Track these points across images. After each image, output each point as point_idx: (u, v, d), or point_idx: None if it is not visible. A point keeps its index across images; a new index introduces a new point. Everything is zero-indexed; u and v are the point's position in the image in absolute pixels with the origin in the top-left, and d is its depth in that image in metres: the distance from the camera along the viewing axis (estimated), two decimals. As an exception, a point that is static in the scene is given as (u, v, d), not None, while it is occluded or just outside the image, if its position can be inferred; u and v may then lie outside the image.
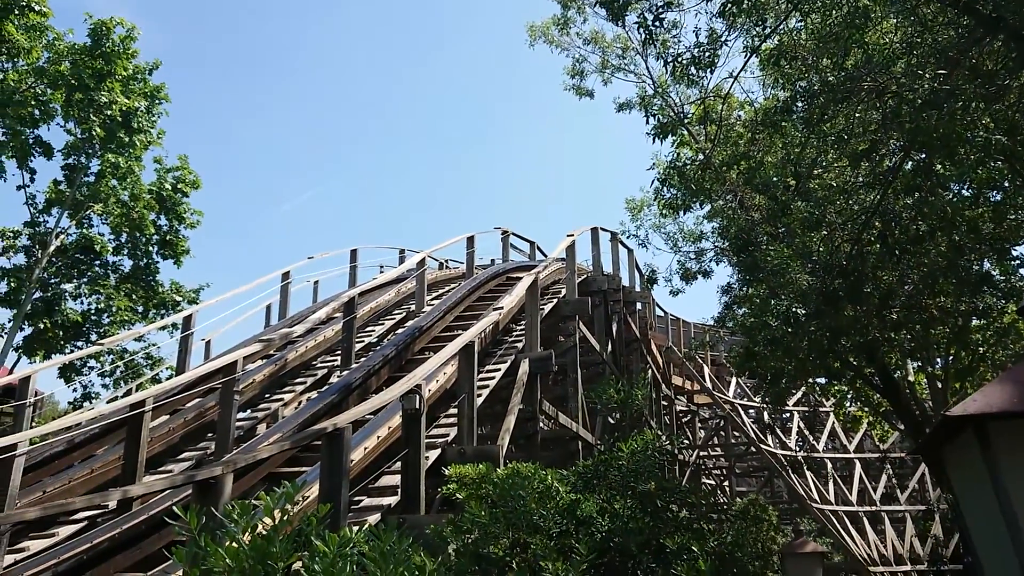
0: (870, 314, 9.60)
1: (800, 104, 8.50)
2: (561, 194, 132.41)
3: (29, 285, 19.85)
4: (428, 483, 7.76)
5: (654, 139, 9.79)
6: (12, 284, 20.06)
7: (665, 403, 21.40)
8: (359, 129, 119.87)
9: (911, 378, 13.41)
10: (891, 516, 20.37)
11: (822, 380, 15.27)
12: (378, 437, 8.71)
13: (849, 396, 16.20)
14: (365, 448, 8.41)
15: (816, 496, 19.37)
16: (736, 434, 23.08)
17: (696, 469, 22.97)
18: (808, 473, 19.51)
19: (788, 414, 21.70)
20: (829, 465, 21.01)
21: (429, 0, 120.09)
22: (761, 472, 25.05)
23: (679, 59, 8.03)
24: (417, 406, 7.65)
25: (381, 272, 18.63)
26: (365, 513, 7.43)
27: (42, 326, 20.16)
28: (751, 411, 23.21)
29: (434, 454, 8.65)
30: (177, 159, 23.00)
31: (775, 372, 11.16)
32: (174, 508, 3.18)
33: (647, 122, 10.06)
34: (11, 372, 18.63)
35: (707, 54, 7.89)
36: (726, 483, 24.46)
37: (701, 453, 23.79)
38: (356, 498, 7.82)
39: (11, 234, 21.12)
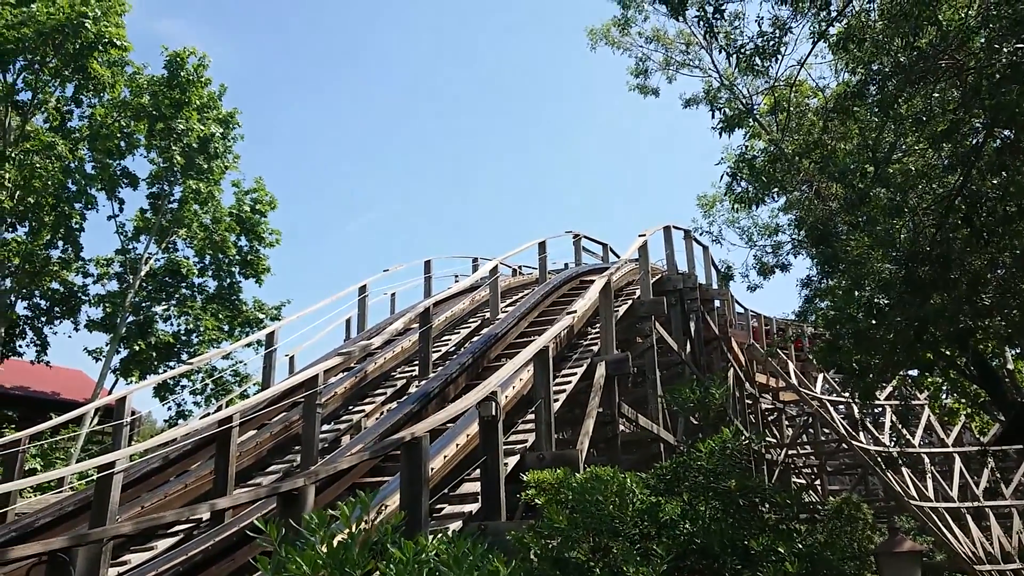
0: (960, 301, 9.16)
1: (873, 88, 8.19)
2: (630, 195, 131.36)
3: (123, 309, 20.80)
4: (508, 489, 7.76)
5: (721, 133, 9.61)
6: (107, 309, 21.09)
7: (749, 401, 20.92)
8: (424, 141, 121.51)
9: (1010, 366, 12.77)
10: (996, 512, 19.39)
11: (914, 372, 14.67)
12: (457, 445, 8.77)
13: (944, 388, 15.51)
14: (444, 456, 8.47)
15: (914, 493, 18.59)
16: (826, 431, 22.36)
17: (785, 468, 22.35)
18: (904, 469, 18.75)
19: (879, 409, 20.92)
20: (926, 460, 20.14)
21: (488, 6, 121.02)
22: (854, 469, 24.21)
23: (743, 50, 7.86)
24: (493, 413, 7.68)
25: (456, 281, 18.81)
26: (447, 521, 7.49)
27: (137, 348, 21.13)
28: (840, 407, 22.47)
29: (513, 460, 8.66)
30: (254, 181, 23.80)
31: (861, 366, 10.77)
32: (255, 521, 3.26)
33: (713, 116, 9.88)
34: (110, 393, 19.55)
35: (771, 43, 7.70)
36: (817, 482, 23.73)
37: (790, 452, 23.14)
38: (438, 506, 7.89)
39: (105, 262, 22.22)
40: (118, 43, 18.90)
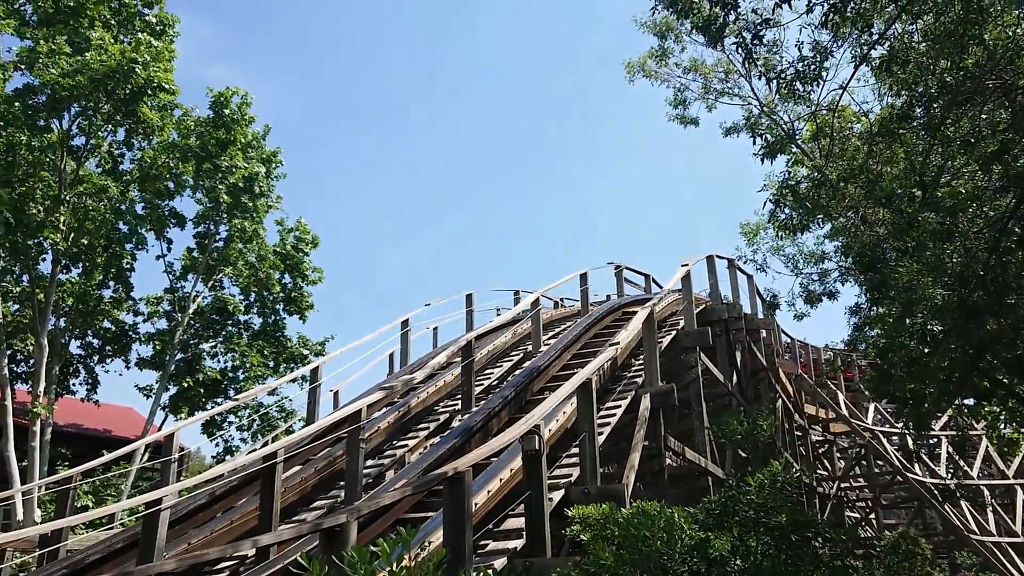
0: (1017, 326, 8.88)
1: (919, 110, 8.07)
2: (672, 225, 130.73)
3: (172, 347, 21.19)
4: (553, 525, 7.63)
5: (763, 160, 9.51)
6: (157, 347, 21.50)
7: (799, 433, 20.45)
8: (465, 176, 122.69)
9: (1073, 394, 12.28)
10: (1064, 547, 18.58)
11: (970, 401, 14.23)
12: (500, 480, 8.67)
13: (1002, 416, 14.99)
14: (488, 491, 8.38)
15: (974, 527, 17.93)
16: (879, 463, 21.74)
17: (838, 502, 21.74)
18: (963, 502, 18.11)
19: (935, 439, 20.29)
20: (986, 493, 19.45)
21: (526, 40, 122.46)
22: (910, 503, 23.46)
23: (783, 76, 7.79)
24: (537, 447, 7.58)
25: (497, 315, 18.81)
26: (491, 557, 7.38)
27: (185, 385, 21.47)
28: (894, 438, 21.86)
29: (558, 495, 8.53)
30: (296, 221, 24.25)
31: (915, 395, 10.47)
32: (298, 558, 3.24)
33: (754, 143, 9.79)
34: (160, 429, 19.84)
35: (812, 67, 7.62)
36: (872, 516, 23.04)
37: (842, 484, 22.52)
38: (482, 542, 7.79)
39: (154, 300, 22.71)
40: (167, 87, 19.45)
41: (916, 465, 19.63)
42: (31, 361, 19.99)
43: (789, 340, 23.16)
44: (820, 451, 23.60)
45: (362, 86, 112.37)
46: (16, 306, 20.47)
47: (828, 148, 10.69)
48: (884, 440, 20.49)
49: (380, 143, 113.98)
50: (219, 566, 8.84)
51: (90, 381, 21.92)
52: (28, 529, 10.19)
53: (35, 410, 18.01)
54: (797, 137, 12.16)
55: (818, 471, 21.04)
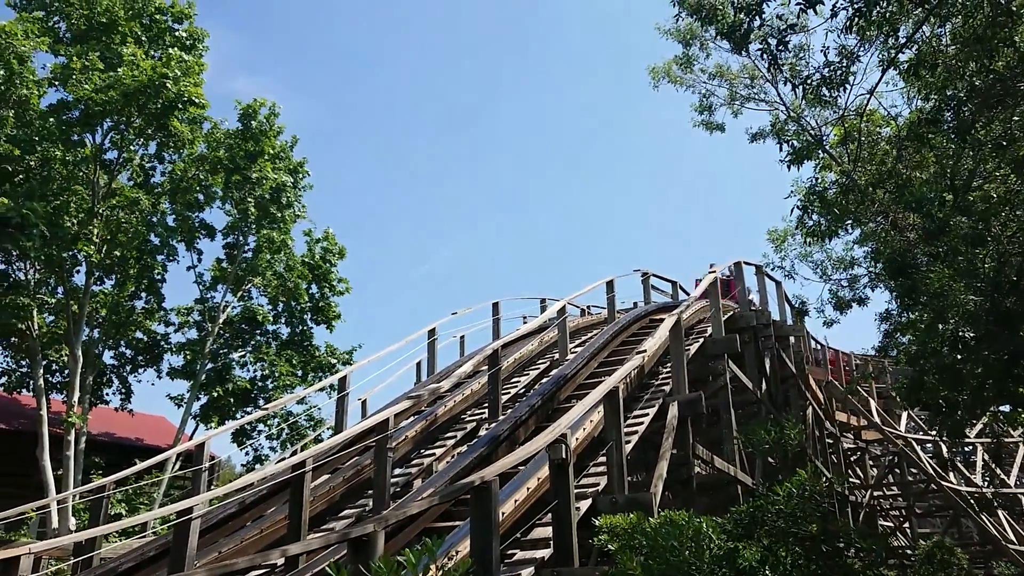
0: (1053, 332, 8.71)
1: (948, 114, 7.96)
2: (699, 232, 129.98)
3: (202, 357, 21.45)
4: (581, 534, 7.61)
5: (789, 166, 9.44)
6: (188, 357, 21.78)
7: (830, 441, 20.19)
8: (487, 185, 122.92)
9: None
10: (1106, 557, 18.13)
11: (1006, 408, 13.97)
12: (527, 489, 8.66)
13: (1040, 424, 14.69)
14: (515, 500, 8.37)
15: (1012, 537, 17.57)
16: (913, 471, 21.39)
17: (871, 511, 21.42)
18: (1000, 511, 17.76)
19: (970, 447, 19.94)
20: (1024, 501, 19.06)
21: (547, 50, 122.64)
22: (945, 512, 23.03)
23: (809, 81, 7.74)
24: (563, 456, 7.57)
25: (524, 323, 18.80)
26: (518, 567, 7.37)
27: (216, 394, 21.71)
28: (927, 446, 21.50)
29: (585, 504, 8.50)
30: (323, 232, 24.47)
31: (949, 402, 10.30)
32: (326, 568, 3.26)
33: (780, 149, 9.72)
34: (191, 438, 20.07)
35: (839, 72, 7.56)
36: (906, 525, 22.63)
37: (875, 493, 22.19)
38: (509, 551, 7.78)
39: (185, 311, 23.02)
40: (197, 101, 19.75)
41: (951, 473, 19.28)
42: (66, 371, 20.34)
43: (819, 347, 22.89)
44: (852, 459, 23.27)
45: (385, 96, 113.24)
46: (51, 317, 20.86)
47: (856, 153, 10.58)
48: (918, 448, 20.16)
49: (405, 152, 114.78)
50: (249, 575, 8.93)
51: (123, 391, 22.27)
52: (63, 537, 10.35)
53: (70, 419, 18.32)
54: (824, 142, 12.05)
55: (850, 479, 20.76)
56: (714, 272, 14.92)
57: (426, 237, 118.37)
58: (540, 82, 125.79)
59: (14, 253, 18.79)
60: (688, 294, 20.11)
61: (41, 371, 19.39)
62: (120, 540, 11.50)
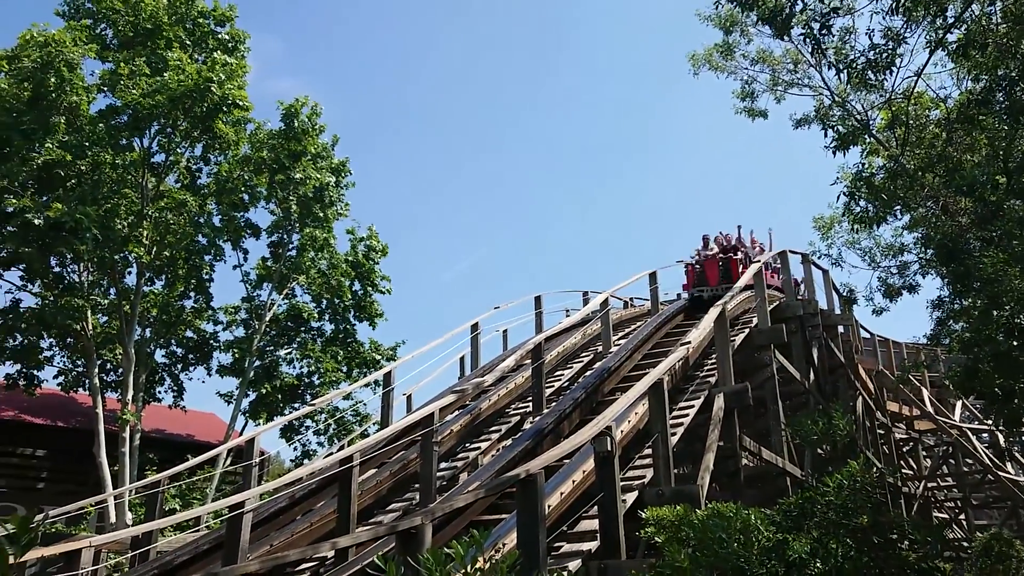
0: (1114, 317, 8.44)
1: (1000, 94, 7.74)
2: (742, 221, 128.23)
3: (250, 354, 21.83)
4: (627, 527, 7.59)
5: (835, 152, 9.26)
6: (236, 355, 22.18)
7: (881, 432, 19.81)
8: (525, 177, 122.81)
9: None
10: None
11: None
12: (573, 481, 8.66)
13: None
14: (561, 493, 8.38)
15: (1073, 528, 17.06)
16: (968, 462, 20.88)
17: (924, 502, 20.96)
18: (1060, 502, 17.26)
19: (1028, 436, 19.40)
20: (1086, 492, 18.48)
21: (584, 39, 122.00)
22: (1003, 503, 22.44)
23: (854, 65, 7.58)
24: (609, 448, 7.55)
25: (566, 316, 18.76)
26: (565, 559, 7.37)
27: (264, 391, 22.08)
28: (983, 435, 20.98)
29: (631, 497, 8.48)
30: (367, 229, 24.70)
31: (1005, 391, 10.04)
32: (375, 559, 3.30)
33: (825, 135, 9.54)
34: (241, 434, 20.46)
35: (885, 55, 7.39)
36: (962, 517, 22.11)
37: (929, 484, 21.71)
38: (556, 544, 7.79)
39: (232, 310, 23.45)
40: (240, 103, 20.07)
41: (1008, 463, 18.81)
42: (120, 370, 20.87)
43: (868, 336, 22.45)
44: (904, 449, 22.80)
45: (425, 93, 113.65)
46: (105, 318, 21.40)
47: (904, 137, 10.34)
48: (973, 438, 19.69)
49: (445, 149, 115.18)
50: (300, 567, 9.08)
51: (175, 388, 22.77)
52: (121, 531, 10.63)
53: (124, 417, 18.80)
54: (871, 127, 11.79)
55: (902, 470, 20.35)
56: (759, 263, 14.73)
57: (466, 233, 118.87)
58: (582, 72, 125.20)
59: (68, 256, 19.33)
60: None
61: (96, 370, 19.92)
62: (174, 534, 11.76)
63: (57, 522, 11.36)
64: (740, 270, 17.03)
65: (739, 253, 18.74)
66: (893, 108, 10.94)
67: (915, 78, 8.98)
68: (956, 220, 10.56)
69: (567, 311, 19.81)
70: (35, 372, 20.28)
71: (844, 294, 13.69)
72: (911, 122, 10.75)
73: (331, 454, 13.52)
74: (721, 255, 18.52)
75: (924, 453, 23.46)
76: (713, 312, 12.02)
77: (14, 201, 17.72)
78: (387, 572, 3.13)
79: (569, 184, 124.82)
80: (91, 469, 19.01)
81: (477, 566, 3.10)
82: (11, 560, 2.14)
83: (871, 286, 13.06)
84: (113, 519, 17.18)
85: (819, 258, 15.71)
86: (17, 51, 18.70)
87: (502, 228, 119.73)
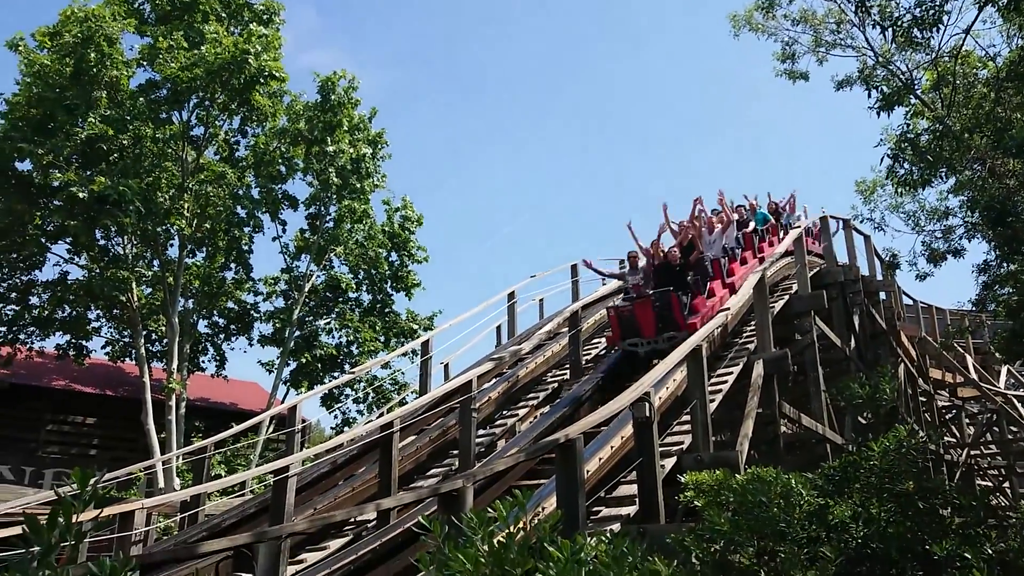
0: None
1: (1053, 50, 7.48)
2: (781, 186, 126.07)
3: (290, 324, 22.15)
4: (666, 492, 7.62)
5: (878, 113, 9.05)
6: (277, 325, 22.53)
7: (923, 399, 19.54)
8: (562, 145, 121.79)
9: None
10: None
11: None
12: (611, 447, 8.71)
13: None
14: (599, 458, 8.43)
15: (1123, 496, 16.72)
16: (1013, 429, 20.52)
17: (968, 470, 20.66)
18: (1110, 470, 16.91)
19: (1076, 403, 18.99)
20: None
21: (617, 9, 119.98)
22: (1049, 471, 22.05)
23: (899, 22, 7.37)
24: (647, 414, 7.56)
25: (603, 284, 18.71)
26: (604, 523, 7.44)
27: (304, 360, 22.44)
28: (1029, 402, 20.52)
29: (669, 462, 8.49)
30: (401, 200, 24.76)
31: (1052, 356, 9.84)
32: (421, 519, 3.38)
33: (869, 96, 9.31)
34: (283, 403, 20.85)
35: (931, 12, 7.18)
36: (1006, 484, 21.78)
37: (972, 452, 21.37)
38: (595, 508, 7.86)
39: (272, 281, 23.77)
40: (277, 75, 20.18)
41: (1055, 431, 18.45)
42: (165, 340, 21.34)
43: (911, 302, 22.06)
44: (947, 417, 22.47)
45: (461, 62, 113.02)
46: (149, 289, 21.85)
47: (951, 97, 10.07)
48: (1018, 404, 19.32)
49: (482, 118, 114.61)
50: (344, 530, 9.29)
51: (218, 358, 23.21)
52: (171, 495, 10.95)
53: (170, 386, 19.24)
54: (916, 87, 11.48)
55: (945, 438, 20.08)
56: (798, 228, 14.51)
57: (504, 202, 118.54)
58: (619, 42, 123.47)
59: (113, 229, 19.71)
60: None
61: (142, 340, 20.39)
62: (220, 499, 12.08)
63: (110, 487, 11.73)
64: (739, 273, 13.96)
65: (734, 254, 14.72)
66: (939, 67, 10.64)
67: (963, 35, 8.72)
68: (1004, 183, 10.28)
69: (604, 279, 19.74)
70: (84, 342, 20.84)
71: (886, 259, 13.44)
72: (958, 82, 10.46)
73: (371, 421, 13.70)
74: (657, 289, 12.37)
75: (967, 420, 23.08)
76: (752, 278, 11.91)
77: (59, 175, 18.08)
78: (432, 530, 3.18)
79: (608, 151, 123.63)
80: (139, 436, 19.54)
81: (520, 526, 3.15)
82: (74, 517, 2.23)
83: (914, 251, 12.81)
84: (162, 484, 17.66)
85: (861, 222, 15.42)
86: (58, 27, 18.96)
87: (542, 195, 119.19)
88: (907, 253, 12.90)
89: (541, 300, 17.80)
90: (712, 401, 9.68)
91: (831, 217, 16.79)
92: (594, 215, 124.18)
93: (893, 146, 10.49)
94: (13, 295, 20.03)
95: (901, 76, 12.46)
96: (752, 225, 15.58)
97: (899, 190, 11.59)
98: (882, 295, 18.45)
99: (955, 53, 9.86)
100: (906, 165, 10.61)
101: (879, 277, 17.90)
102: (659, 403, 9.18)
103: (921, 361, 20.10)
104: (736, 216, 14.62)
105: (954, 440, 21.24)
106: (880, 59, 13.14)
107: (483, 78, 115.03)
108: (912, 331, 20.40)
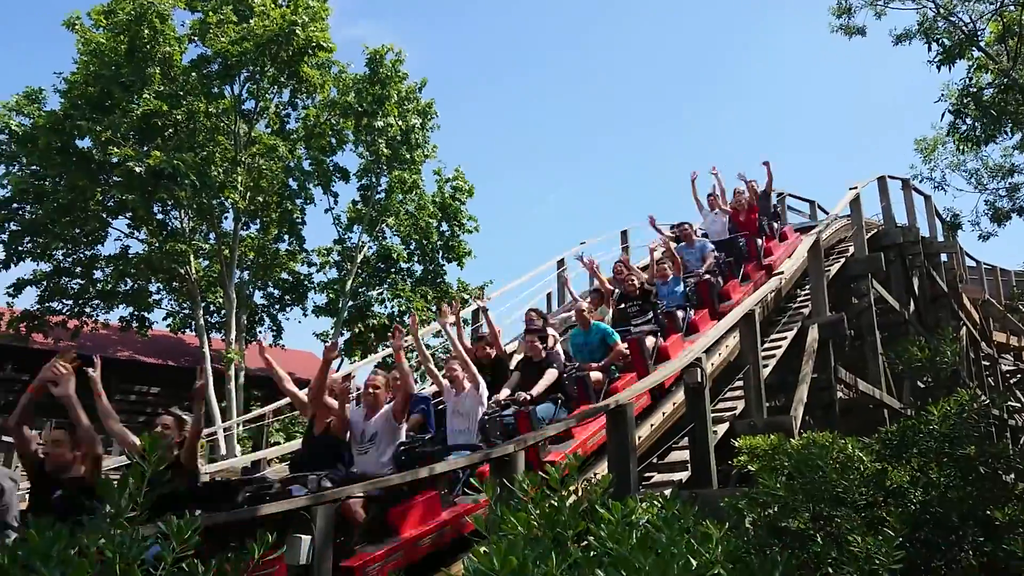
0: None
1: None
2: (837, 148, 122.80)
3: (344, 295, 22.48)
4: (718, 458, 7.60)
5: (939, 67, 8.72)
6: (330, 295, 22.88)
7: (987, 363, 19.05)
8: (608, 120, 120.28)
9: None
10: None
11: None
12: (663, 413, 8.70)
13: None
14: (651, 424, 8.43)
15: None
16: (1081, 394, 19.89)
17: (1032, 436, 20.14)
18: None
19: None
20: None
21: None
22: (1120, 437, 21.34)
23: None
24: (699, 380, 7.52)
25: (652, 251, 18.50)
26: (656, 488, 7.45)
27: (357, 330, 22.77)
28: (1099, 366, 19.87)
29: (722, 428, 8.46)
30: (453, 170, 24.78)
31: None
32: (472, 480, 3.41)
33: (929, 49, 8.98)
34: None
35: (998, -42, 6.85)
36: (1073, 450, 21.18)
37: (1037, 417, 20.79)
38: (647, 474, 7.88)
39: (325, 252, 24.09)
40: (325, 45, 20.30)
41: None
42: (222, 311, 21.85)
43: (974, 263, 21.41)
44: (1011, 381, 21.87)
45: (510, 31, 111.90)
46: (206, 262, 22.35)
47: (1016, 49, 9.65)
48: (1087, 369, 18.71)
49: (531, 87, 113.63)
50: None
51: (274, 328, 23.72)
52: (233, 460, 11.28)
53: (229, 356, 19.74)
54: (980, 39, 11.02)
55: (1009, 402, 19.56)
56: (855, 189, 14.16)
57: (550, 170, 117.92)
58: (664, 10, 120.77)
59: (169, 203, 20.17)
60: (827, 213, 19.19)
61: (201, 312, 20.90)
62: (279, 464, 12.39)
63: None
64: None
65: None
66: (1005, 18, 10.19)
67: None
68: (1074, 137, 9.86)
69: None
70: (146, 314, 21.46)
71: (948, 220, 13.04)
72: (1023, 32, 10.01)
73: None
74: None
75: (1033, 385, 22.43)
76: (807, 241, 11.72)
77: (117, 151, 18.51)
78: (484, 491, 3.21)
79: (664, 113, 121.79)
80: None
81: (572, 488, 3.17)
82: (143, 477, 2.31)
83: (977, 210, 12.40)
84: (223, 450, 18.21)
85: (921, 183, 14.95)
86: (112, 5, 19.31)
87: (596, 159, 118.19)
88: (969, 212, 12.51)
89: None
90: (765, 366, 9.59)
91: (889, 177, 16.34)
92: (643, 184, 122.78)
93: (955, 101, 10.12)
94: (78, 269, 20.68)
95: (964, 28, 11.95)
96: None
97: (961, 147, 11.19)
98: (943, 257, 17.96)
99: (1022, 2, 9.42)
100: (968, 120, 10.23)
101: (940, 238, 17.41)
102: (711, 369, 9.12)
103: (984, 324, 19.58)
104: (747, 195, 13.37)
105: (1019, 405, 20.66)
106: (941, 10, 12.62)
107: (537, 43, 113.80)
108: (975, 293, 19.84)
